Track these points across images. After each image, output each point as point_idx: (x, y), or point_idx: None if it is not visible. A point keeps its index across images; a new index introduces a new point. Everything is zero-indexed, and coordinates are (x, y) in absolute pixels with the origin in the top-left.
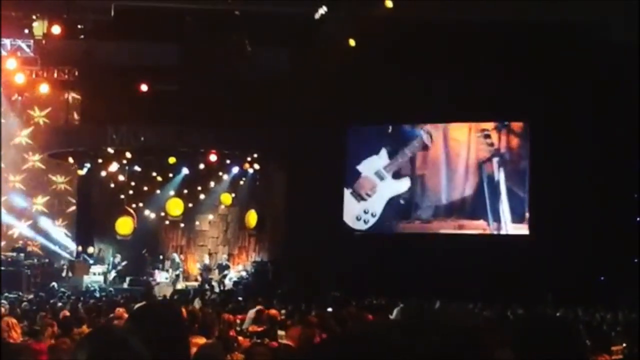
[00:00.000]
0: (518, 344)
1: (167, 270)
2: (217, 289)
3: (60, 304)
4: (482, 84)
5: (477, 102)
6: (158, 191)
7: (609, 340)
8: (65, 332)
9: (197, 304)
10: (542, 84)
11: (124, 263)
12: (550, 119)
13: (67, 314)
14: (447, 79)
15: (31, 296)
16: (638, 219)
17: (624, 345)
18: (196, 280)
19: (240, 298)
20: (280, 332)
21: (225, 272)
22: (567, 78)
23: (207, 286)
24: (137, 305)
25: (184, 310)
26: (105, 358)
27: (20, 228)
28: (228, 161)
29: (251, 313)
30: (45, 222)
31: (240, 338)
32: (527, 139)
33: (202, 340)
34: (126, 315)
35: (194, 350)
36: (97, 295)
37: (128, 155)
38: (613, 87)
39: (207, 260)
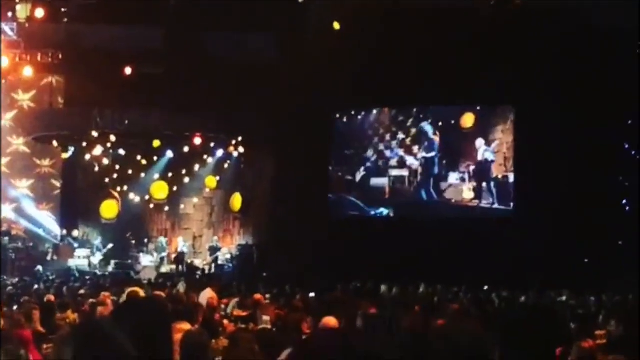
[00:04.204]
0: (503, 335)
1: (152, 254)
2: (207, 271)
3: (43, 287)
4: (469, 67)
5: (463, 85)
6: (143, 175)
7: (593, 325)
8: (49, 316)
9: (181, 287)
10: (528, 68)
11: (109, 246)
12: (536, 102)
13: (52, 298)
14: (433, 62)
15: (16, 280)
16: (623, 202)
17: (608, 329)
18: (175, 260)
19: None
20: (265, 318)
21: (217, 253)
22: (551, 61)
23: (185, 269)
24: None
25: (166, 294)
26: (90, 353)
27: (4, 211)
28: (213, 144)
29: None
30: (29, 206)
31: (225, 322)
32: (512, 121)
33: (187, 326)
34: (110, 301)
35: (179, 336)
36: (82, 278)
37: (113, 138)
38: (598, 70)
39: (183, 246)
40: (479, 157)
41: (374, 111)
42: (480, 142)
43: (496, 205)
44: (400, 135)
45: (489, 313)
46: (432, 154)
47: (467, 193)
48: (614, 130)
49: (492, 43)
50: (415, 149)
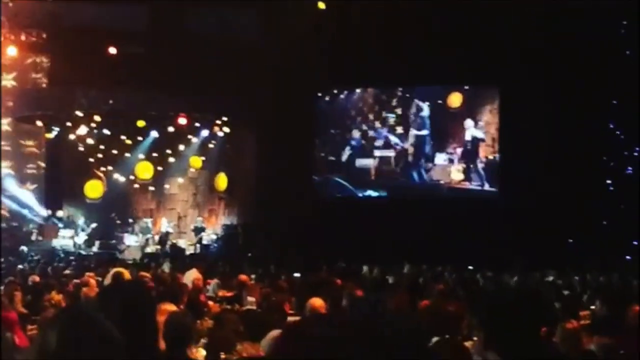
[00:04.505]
0: (487, 317)
1: (137, 234)
2: (189, 252)
3: (27, 267)
4: (453, 48)
5: (448, 66)
6: (127, 154)
7: (577, 305)
8: (36, 298)
9: (166, 267)
10: (512, 48)
11: (93, 226)
12: (520, 82)
13: (37, 279)
14: (418, 42)
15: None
16: (607, 181)
17: (593, 308)
18: (160, 241)
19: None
20: (250, 299)
21: (202, 234)
22: (535, 41)
23: (168, 249)
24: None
25: (151, 275)
26: (75, 337)
27: None
28: (197, 124)
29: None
30: (13, 186)
31: (210, 303)
32: (497, 101)
33: (171, 307)
34: (94, 282)
35: (163, 317)
36: (67, 259)
37: (97, 118)
38: (584, 50)
39: (167, 226)
40: (467, 137)
41: (358, 91)
42: (469, 123)
43: (486, 187)
44: (386, 115)
45: (474, 294)
46: (425, 132)
47: (456, 174)
48: (599, 110)
49: (475, 22)
50: (400, 129)
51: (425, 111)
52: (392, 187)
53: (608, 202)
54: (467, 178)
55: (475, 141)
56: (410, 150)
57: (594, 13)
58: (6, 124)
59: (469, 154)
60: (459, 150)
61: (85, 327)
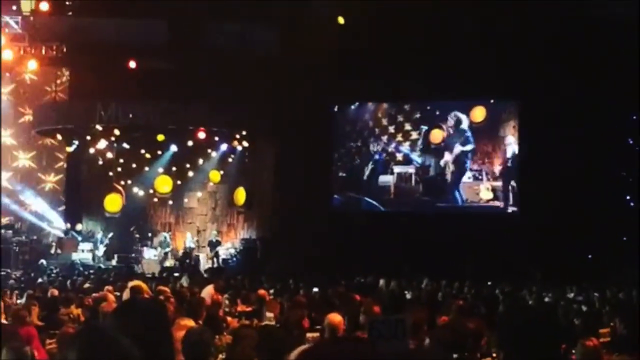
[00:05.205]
0: (506, 336)
1: (156, 248)
2: (207, 266)
3: (47, 281)
4: (473, 62)
5: (466, 81)
6: (146, 168)
7: (597, 323)
8: (51, 312)
9: (184, 281)
10: (533, 63)
11: (109, 235)
12: (541, 97)
13: (55, 293)
14: (436, 57)
15: (20, 272)
16: (627, 197)
17: (612, 325)
18: (184, 255)
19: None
20: (269, 314)
21: (217, 248)
22: (555, 57)
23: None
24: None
25: (170, 289)
26: (95, 358)
27: (7, 204)
28: (217, 138)
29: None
30: (33, 199)
31: (229, 319)
32: (516, 116)
33: (190, 323)
34: (112, 297)
35: (182, 333)
36: (86, 272)
37: (117, 132)
38: (602, 66)
39: (188, 240)
40: (509, 154)
41: (377, 105)
42: (510, 139)
43: (512, 208)
44: (408, 130)
45: (494, 310)
46: (469, 146)
47: (485, 193)
48: (618, 126)
49: (498, 37)
50: (419, 144)
51: (465, 123)
52: (411, 204)
53: (628, 217)
54: (496, 197)
55: (516, 158)
56: (433, 166)
57: (615, 27)
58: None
59: (509, 172)
60: (485, 167)
61: (105, 347)
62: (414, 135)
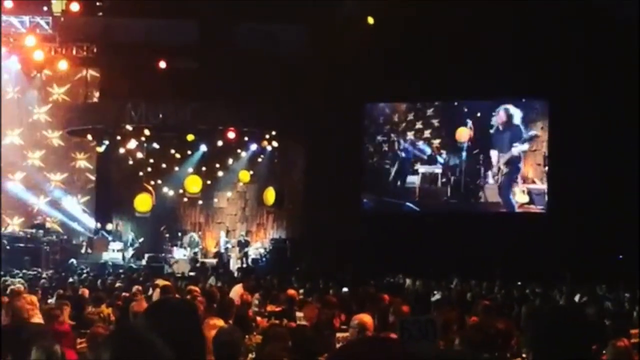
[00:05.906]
0: (536, 336)
1: (185, 248)
2: (237, 266)
3: (77, 280)
4: (501, 61)
5: (495, 79)
6: (176, 168)
7: (628, 323)
8: (81, 311)
9: (212, 281)
10: (562, 62)
11: (139, 240)
12: (571, 96)
13: (86, 292)
14: (464, 56)
15: (50, 272)
16: None
17: None
18: (214, 257)
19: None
20: (299, 314)
21: (246, 249)
22: (585, 57)
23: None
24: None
25: (200, 289)
26: (129, 358)
27: (38, 204)
28: (246, 138)
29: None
30: (63, 199)
31: (258, 318)
32: (546, 116)
33: (220, 322)
34: (142, 297)
35: (212, 332)
36: (116, 272)
37: (147, 132)
38: (633, 66)
39: (223, 241)
40: (539, 155)
41: (408, 104)
42: (540, 139)
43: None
44: (436, 130)
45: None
46: (526, 146)
47: (520, 196)
48: None
49: (526, 36)
50: (447, 144)
51: (517, 117)
52: (438, 203)
53: None
54: (532, 201)
55: (546, 158)
56: (459, 167)
57: None
58: (57, 136)
59: (540, 173)
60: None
61: (139, 347)
62: (442, 132)
